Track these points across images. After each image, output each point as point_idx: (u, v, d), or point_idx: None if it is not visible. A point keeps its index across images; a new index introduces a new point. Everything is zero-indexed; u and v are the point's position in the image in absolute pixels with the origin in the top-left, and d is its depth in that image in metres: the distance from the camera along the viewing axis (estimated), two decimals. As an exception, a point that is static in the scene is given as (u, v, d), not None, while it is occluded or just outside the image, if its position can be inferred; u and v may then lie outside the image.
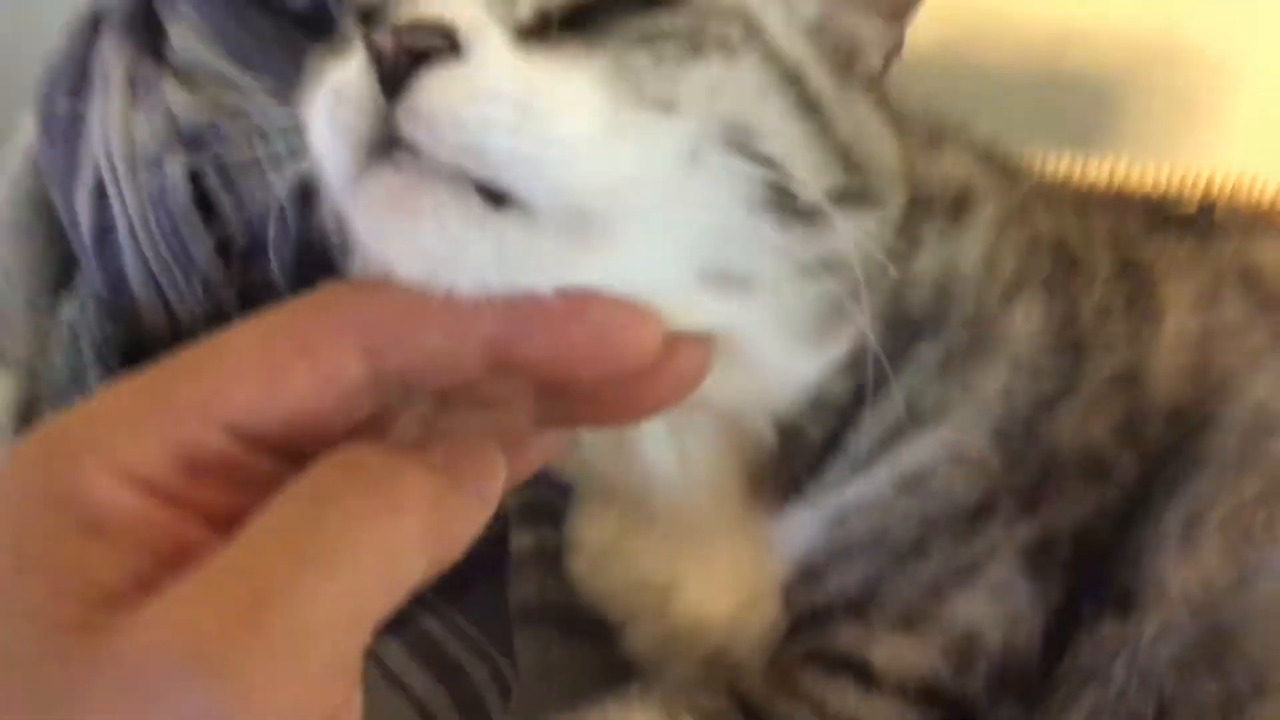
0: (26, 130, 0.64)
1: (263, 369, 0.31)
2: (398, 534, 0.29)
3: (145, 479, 0.29)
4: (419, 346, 0.33)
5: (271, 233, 0.54)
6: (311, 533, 0.28)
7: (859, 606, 0.47)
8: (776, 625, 0.48)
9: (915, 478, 0.46)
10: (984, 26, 0.86)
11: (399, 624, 0.56)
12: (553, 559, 0.55)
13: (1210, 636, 0.44)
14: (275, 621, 0.26)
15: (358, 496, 0.29)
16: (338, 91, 0.35)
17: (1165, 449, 0.47)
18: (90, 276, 0.61)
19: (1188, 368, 0.48)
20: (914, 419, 0.46)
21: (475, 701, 0.58)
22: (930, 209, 0.47)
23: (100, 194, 0.59)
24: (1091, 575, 0.46)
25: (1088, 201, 0.55)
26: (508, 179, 0.33)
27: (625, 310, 0.35)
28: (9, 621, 0.27)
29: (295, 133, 0.38)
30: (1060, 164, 0.65)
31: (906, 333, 0.46)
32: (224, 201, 0.58)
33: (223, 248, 0.58)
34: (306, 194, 0.50)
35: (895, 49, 0.45)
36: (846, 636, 0.47)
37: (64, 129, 0.61)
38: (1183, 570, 0.45)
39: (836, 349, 0.44)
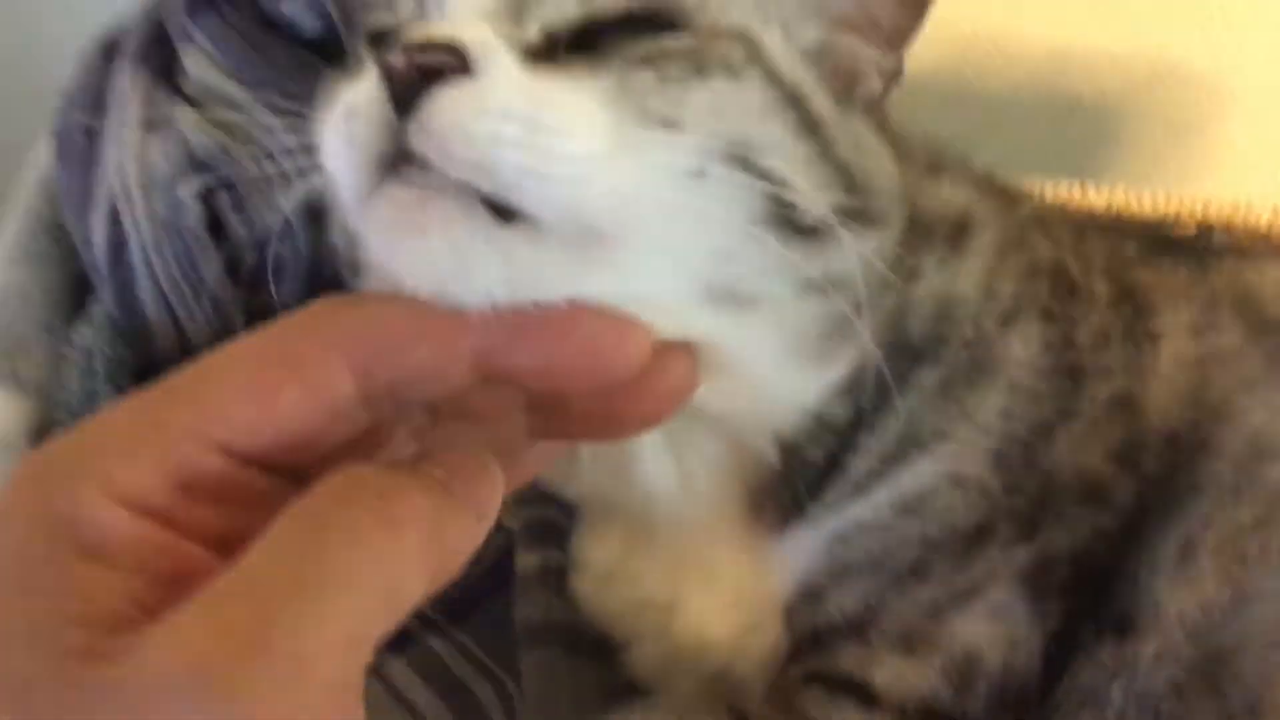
0: (40, 160, 0.65)
1: (254, 389, 0.32)
2: (398, 553, 0.30)
3: (142, 502, 0.29)
4: (408, 360, 0.34)
5: (271, 254, 0.54)
6: (312, 554, 0.28)
7: (860, 627, 0.47)
8: (778, 646, 0.49)
9: (915, 500, 0.46)
10: (982, 51, 0.86)
11: (405, 643, 0.56)
12: (558, 579, 0.55)
13: (1207, 660, 0.44)
14: (278, 643, 0.26)
15: (357, 516, 0.29)
16: (351, 109, 0.36)
17: (1162, 474, 0.47)
18: (103, 299, 0.61)
19: (1184, 393, 0.48)
20: (913, 442, 0.46)
21: (481, 720, 0.58)
22: (930, 236, 0.48)
23: (114, 217, 0.60)
24: (1090, 598, 0.46)
25: (1086, 227, 0.55)
26: (516, 194, 0.34)
27: (612, 321, 0.36)
28: (13, 647, 0.27)
29: (304, 154, 0.39)
30: (1059, 190, 0.65)
31: (906, 357, 0.46)
32: (234, 222, 0.59)
33: (232, 267, 0.59)
34: (315, 214, 0.51)
35: (895, 74, 0.46)
36: (848, 657, 0.47)
37: (80, 154, 0.62)
38: (1180, 594, 0.45)
39: (836, 370, 0.44)
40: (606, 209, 0.35)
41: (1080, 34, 0.85)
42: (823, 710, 0.47)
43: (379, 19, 0.44)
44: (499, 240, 0.34)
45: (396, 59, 0.34)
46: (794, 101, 0.40)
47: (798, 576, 0.48)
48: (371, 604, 0.29)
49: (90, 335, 0.61)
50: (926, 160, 0.51)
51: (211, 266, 0.59)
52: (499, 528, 0.55)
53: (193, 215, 0.58)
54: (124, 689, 0.26)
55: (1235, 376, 0.48)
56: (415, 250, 0.35)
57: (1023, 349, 0.47)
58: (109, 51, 0.63)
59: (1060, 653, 0.46)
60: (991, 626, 0.46)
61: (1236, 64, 0.83)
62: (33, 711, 0.26)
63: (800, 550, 0.47)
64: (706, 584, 0.49)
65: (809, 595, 0.48)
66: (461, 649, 0.59)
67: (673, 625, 0.50)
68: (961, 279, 0.48)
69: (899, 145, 0.47)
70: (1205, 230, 0.61)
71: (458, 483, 0.32)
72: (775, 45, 0.42)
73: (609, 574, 0.53)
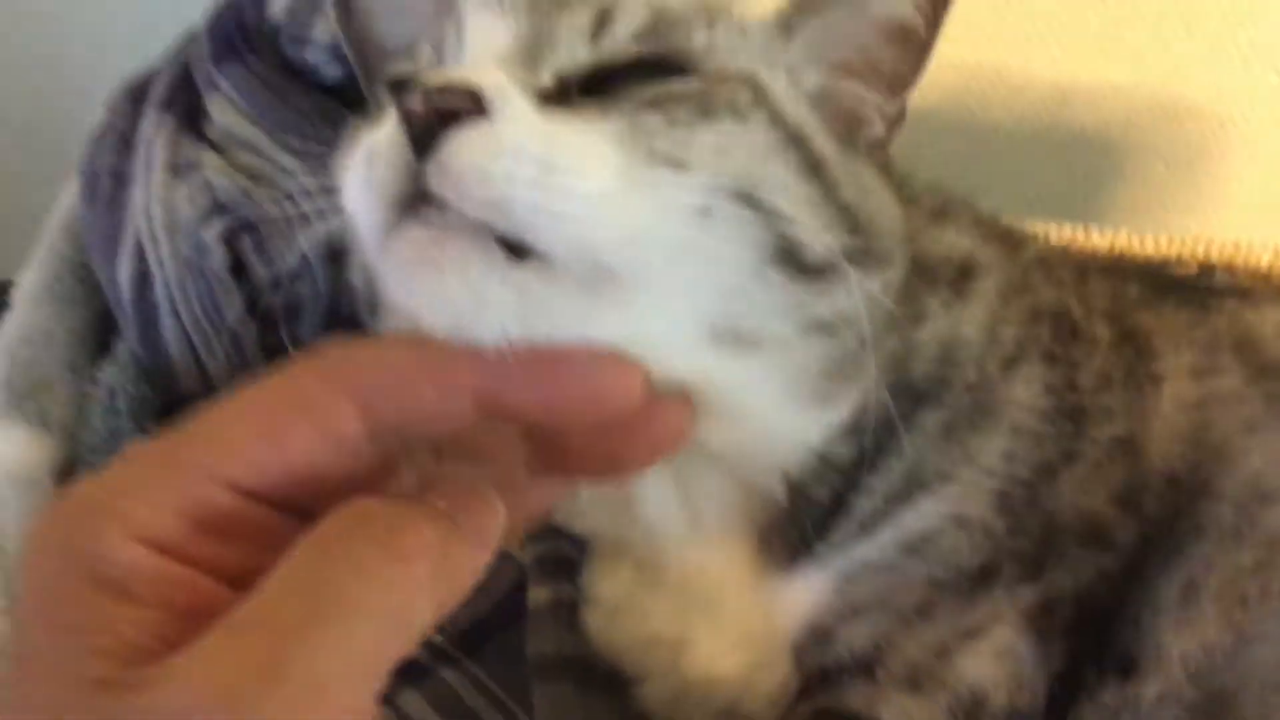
0: (65, 204, 0.66)
1: (264, 429, 0.33)
2: (407, 582, 0.31)
3: (160, 540, 0.31)
4: (412, 399, 0.35)
5: (288, 293, 0.56)
6: (325, 585, 0.29)
7: (868, 666, 0.47)
8: (787, 683, 0.49)
9: (919, 541, 0.47)
10: (985, 83, 0.87)
11: (419, 675, 0.57)
12: (569, 613, 0.55)
13: (1208, 701, 0.45)
14: (295, 671, 0.28)
15: (367, 548, 0.31)
16: (371, 151, 0.37)
17: (1164, 516, 0.47)
18: (127, 338, 0.63)
19: (1185, 435, 0.48)
20: (917, 483, 0.47)
21: (493, 753, 0.58)
22: (934, 280, 0.49)
23: (140, 258, 0.61)
24: (1092, 639, 0.46)
25: (1088, 268, 0.56)
26: (530, 232, 0.35)
27: (608, 359, 0.37)
28: (44, 679, 0.29)
29: (323, 196, 0.40)
30: (1061, 232, 0.66)
31: (909, 399, 0.47)
32: (255, 263, 0.60)
33: (251, 306, 0.61)
34: (334, 255, 0.52)
35: (898, 118, 0.47)
36: (856, 696, 0.47)
37: (106, 196, 0.63)
38: (1182, 636, 0.45)
39: (839, 411, 0.45)
40: (617, 246, 0.36)
41: (1084, 68, 0.85)
42: (831, 748, 0.47)
43: (400, 67, 0.46)
44: (513, 278, 0.36)
45: (415, 102, 0.35)
46: (797, 142, 0.42)
47: (806, 616, 0.48)
48: (384, 632, 0.30)
49: (114, 374, 0.62)
50: (932, 205, 0.52)
51: (234, 307, 0.60)
52: (511, 561, 0.56)
53: (216, 257, 0.59)
54: (149, 716, 0.27)
55: (1236, 419, 0.49)
56: (432, 288, 0.36)
57: (1025, 392, 0.48)
58: (136, 96, 0.65)
59: (1064, 693, 0.46)
60: (997, 666, 0.46)
61: (1239, 102, 0.84)
62: None
63: (808, 589, 0.48)
64: (715, 622, 0.50)
65: (817, 634, 0.48)
66: (474, 681, 0.59)
67: (682, 662, 0.50)
68: (965, 323, 0.49)
69: (903, 189, 0.48)
70: (1207, 270, 0.61)
71: (461, 513, 0.34)
72: (780, 89, 0.43)
73: (618, 609, 0.53)
